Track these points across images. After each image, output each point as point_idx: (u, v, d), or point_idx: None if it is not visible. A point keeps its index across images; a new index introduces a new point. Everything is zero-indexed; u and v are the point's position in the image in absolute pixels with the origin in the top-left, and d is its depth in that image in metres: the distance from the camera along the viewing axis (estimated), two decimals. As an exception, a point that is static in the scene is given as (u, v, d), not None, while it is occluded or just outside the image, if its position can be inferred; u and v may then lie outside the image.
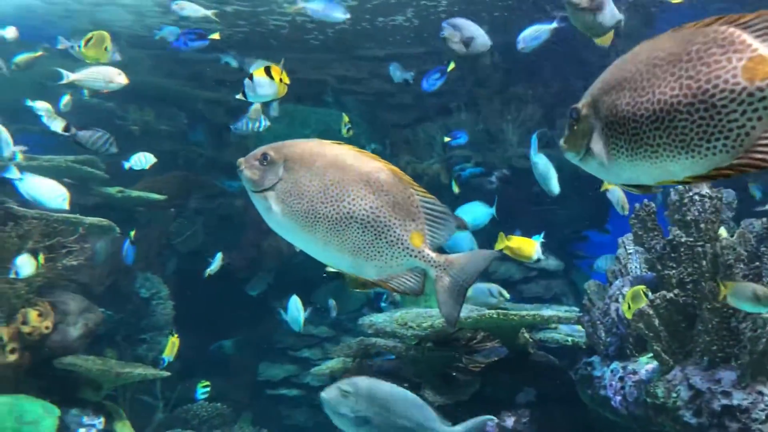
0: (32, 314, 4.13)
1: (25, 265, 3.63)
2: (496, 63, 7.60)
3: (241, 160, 1.82)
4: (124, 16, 7.06)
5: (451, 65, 5.45)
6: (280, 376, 7.29)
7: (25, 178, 3.71)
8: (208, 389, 5.00)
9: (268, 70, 3.22)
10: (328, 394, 2.83)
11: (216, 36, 5.10)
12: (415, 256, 1.76)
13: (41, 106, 4.32)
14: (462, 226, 4.09)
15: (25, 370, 4.16)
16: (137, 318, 6.11)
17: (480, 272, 1.82)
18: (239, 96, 3.28)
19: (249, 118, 4.88)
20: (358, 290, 4.75)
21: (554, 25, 4.34)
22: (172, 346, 4.64)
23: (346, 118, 5.68)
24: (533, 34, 4.52)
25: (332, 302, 5.92)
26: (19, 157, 4.22)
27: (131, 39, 7.13)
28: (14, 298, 4.00)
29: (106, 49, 4.09)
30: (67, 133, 4.18)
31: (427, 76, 5.58)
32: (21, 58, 5.45)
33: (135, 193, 5.84)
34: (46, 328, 4.20)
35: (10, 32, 4.92)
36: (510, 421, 4.19)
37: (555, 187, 4.55)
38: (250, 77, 3.21)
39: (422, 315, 4.63)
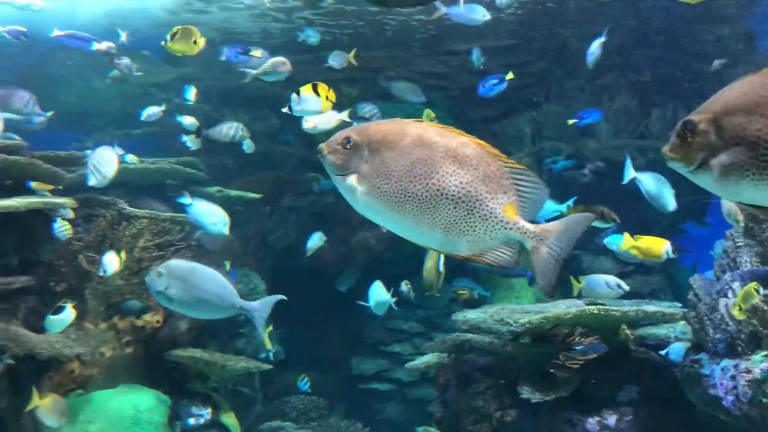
0: (145, 309, 4.38)
1: (111, 262, 3.80)
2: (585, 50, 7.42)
3: (323, 145, 1.81)
4: (217, 24, 7.33)
5: (510, 75, 5.34)
6: (372, 371, 7.38)
7: (194, 203, 3.97)
8: (307, 381, 5.13)
9: (315, 87, 3.29)
10: (149, 276, 3.21)
11: (257, 53, 5.14)
12: (510, 228, 1.73)
13: (189, 121, 4.55)
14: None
15: (139, 361, 4.40)
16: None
17: (577, 239, 1.78)
18: (285, 110, 3.36)
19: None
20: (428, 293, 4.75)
21: None
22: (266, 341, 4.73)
23: (432, 114, 5.68)
24: None
25: (405, 283, 5.77)
26: (135, 159, 4.46)
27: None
28: (129, 293, 4.24)
29: (195, 42, 4.10)
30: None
31: (484, 81, 5.48)
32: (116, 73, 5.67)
33: (233, 193, 6.06)
34: (157, 322, 4.44)
35: (104, 45, 5.06)
36: (612, 420, 4.09)
37: (671, 203, 4.28)
38: (297, 93, 3.30)
39: (518, 311, 4.59)
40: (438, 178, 1.72)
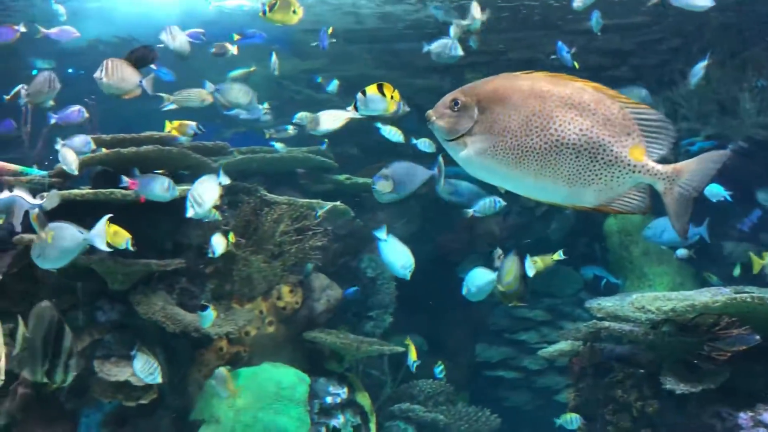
0: (285, 290, 4.57)
1: (219, 244, 3.96)
2: (726, 23, 6.94)
3: (430, 112, 1.76)
4: (337, 15, 7.47)
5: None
6: (497, 358, 7.32)
7: (388, 240, 4.18)
8: (443, 367, 5.17)
9: (380, 88, 3.26)
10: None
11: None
12: (639, 171, 1.65)
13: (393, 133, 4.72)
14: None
15: (280, 341, 4.62)
16: (364, 296, 6.49)
17: (711, 177, 1.69)
18: (350, 109, 3.35)
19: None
20: (511, 305, 4.61)
21: None
22: (411, 350, 4.74)
23: None
24: None
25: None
26: (282, 146, 4.59)
27: (348, 34, 7.53)
28: (271, 275, 4.44)
29: (294, 12, 4.05)
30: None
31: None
32: (236, 73, 5.85)
33: (361, 180, 6.19)
34: (296, 303, 4.63)
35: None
36: (767, 416, 3.84)
37: None
38: (363, 92, 3.29)
39: (659, 298, 4.39)
40: (556, 128, 1.65)
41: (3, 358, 2.52)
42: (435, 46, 4.49)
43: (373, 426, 4.72)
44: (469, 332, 7.56)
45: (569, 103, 1.66)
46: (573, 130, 1.64)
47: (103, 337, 3.93)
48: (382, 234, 4.18)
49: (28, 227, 4.01)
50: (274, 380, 4.30)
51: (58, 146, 3.91)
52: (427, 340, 7.21)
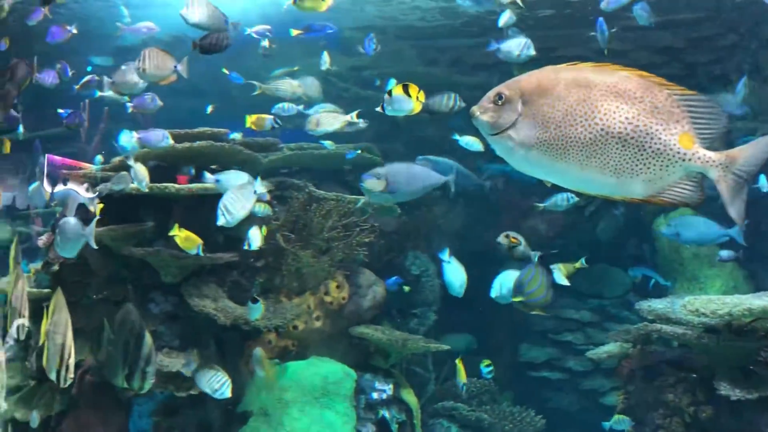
0: (332, 285, 4.61)
1: (256, 237, 3.95)
2: (788, 17, 6.73)
3: (474, 107, 1.74)
4: (388, 11, 7.46)
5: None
6: (542, 359, 7.25)
7: (450, 261, 4.44)
8: (492, 368, 5.13)
9: (405, 88, 3.28)
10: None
11: None
12: (689, 159, 1.60)
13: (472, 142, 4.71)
14: None
15: (327, 336, 4.65)
16: (409, 293, 6.49)
17: (765, 161, 1.63)
18: (378, 109, 3.37)
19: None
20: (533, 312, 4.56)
21: None
22: (460, 372, 4.70)
23: None
24: None
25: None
26: (331, 143, 4.67)
27: (397, 31, 7.53)
28: (319, 271, 4.48)
29: None
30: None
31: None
32: (279, 72, 5.84)
33: (407, 177, 6.18)
34: (343, 298, 4.66)
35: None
36: (827, 425, 3.72)
37: None
38: (389, 93, 3.32)
39: (714, 301, 4.29)
40: (600, 117, 1.61)
41: (72, 355, 2.60)
42: (506, 45, 4.43)
43: (418, 423, 4.72)
44: (513, 332, 7.49)
45: (614, 92, 1.62)
46: (618, 118, 1.61)
47: (156, 329, 4.01)
48: (445, 255, 4.37)
49: (83, 219, 4.13)
50: (321, 375, 4.34)
51: (132, 140, 3.99)
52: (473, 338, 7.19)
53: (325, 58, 4.96)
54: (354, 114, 4.43)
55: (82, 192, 4.63)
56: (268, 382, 4.09)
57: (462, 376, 4.45)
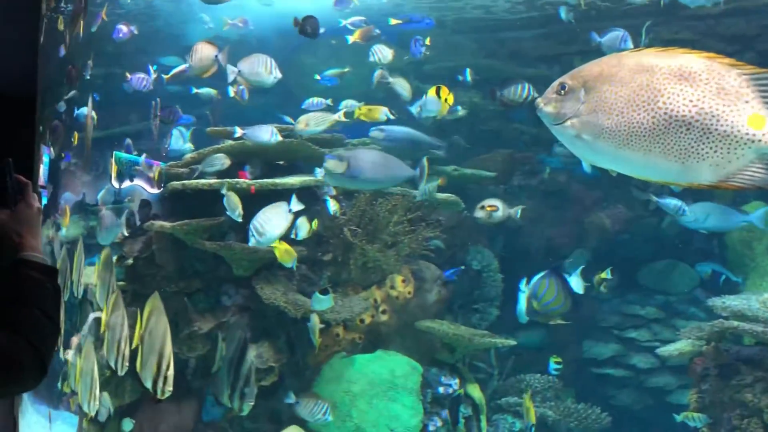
0: (398, 280, 4.63)
1: (303, 227, 3.98)
2: None
3: (538, 99, 1.75)
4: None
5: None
6: (606, 355, 7.11)
7: (524, 291, 4.44)
8: (561, 365, 5.07)
9: (438, 90, 3.40)
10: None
11: None
12: (759, 141, 1.53)
13: None
14: None
15: (393, 329, 4.68)
16: (471, 288, 6.47)
17: None
18: (415, 110, 3.40)
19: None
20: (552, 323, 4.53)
21: None
22: (530, 412, 4.56)
23: None
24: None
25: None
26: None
27: (455, 25, 7.50)
28: (385, 265, 4.51)
29: None
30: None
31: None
32: (332, 72, 5.86)
33: (469, 171, 6.17)
34: (409, 293, 4.68)
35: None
36: None
37: None
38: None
39: (796, 299, 4.15)
40: (664, 101, 1.57)
41: (171, 367, 2.53)
42: (607, 39, 4.43)
43: (484, 418, 4.71)
44: (576, 328, 7.38)
45: (678, 75, 1.58)
46: (682, 101, 1.57)
47: (227, 320, 4.12)
48: (522, 285, 4.41)
49: (148, 215, 4.27)
50: (388, 368, 4.37)
51: (237, 134, 4.09)
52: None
53: (385, 52, 4.95)
54: (341, 113, 4.46)
55: (147, 188, 4.78)
56: (332, 370, 4.14)
57: (532, 418, 4.37)
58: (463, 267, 5.08)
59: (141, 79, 4.56)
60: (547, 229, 7.29)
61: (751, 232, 6.91)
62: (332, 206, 4.18)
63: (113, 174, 5.76)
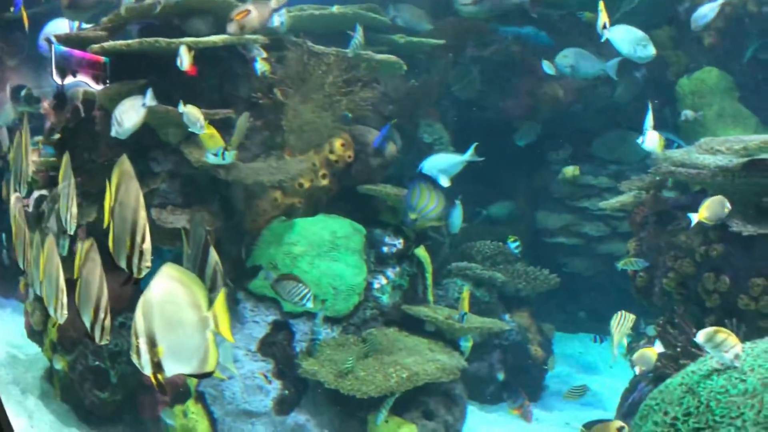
0: (337, 143, 4.53)
1: (184, 56, 3.76)
2: None
3: None
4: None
5: None
6: (558, 225, 7.23)
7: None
8: (518, 243, 5.11)
9: None
10: None
11: None
12: None
13: None
14: None
15: (334, 194, 4.63)
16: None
17: None
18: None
19: None
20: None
21: None
22: (464, 302, 4.47)
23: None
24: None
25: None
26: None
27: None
28: (322, 127, 4.40)
29: None
30: None
31: None
32: None
33: (416, 39, 5.96)
34: (349, 157, 4.59)
35: None
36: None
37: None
38: None
39: (730, 139, 4.14)
40: None
41: (148, 240, 2.16)
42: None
43: (429, 276, 4.76)
44: (530, 199, 7.44)
45: None
46: None
47: (158, 186, 4.01)
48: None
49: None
50: (329, 229, 4.35)
51: None
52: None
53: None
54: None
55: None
56: (271, 234, 4.10)
57: (464, 307, 4.37)
58: (391, 123, 4.88)
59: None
60: (500, 103, 7.19)
61: (703, 98, 6.91)
62: (261, 67, 4.00)
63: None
